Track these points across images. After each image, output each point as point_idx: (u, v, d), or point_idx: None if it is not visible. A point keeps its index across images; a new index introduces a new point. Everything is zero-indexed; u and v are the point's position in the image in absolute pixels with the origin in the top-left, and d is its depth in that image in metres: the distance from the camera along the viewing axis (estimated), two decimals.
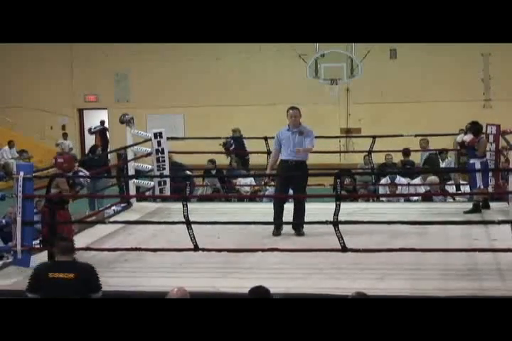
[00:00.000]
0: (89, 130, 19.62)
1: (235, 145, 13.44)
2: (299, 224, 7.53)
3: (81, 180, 6.70)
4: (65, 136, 19.23)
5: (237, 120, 17.18)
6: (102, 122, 19.71)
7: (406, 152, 11.76)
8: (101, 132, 19.63)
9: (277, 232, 7.58)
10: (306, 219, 7.55)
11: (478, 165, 8.41)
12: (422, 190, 10.73)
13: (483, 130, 8.67)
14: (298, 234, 7.55)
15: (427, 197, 10.15)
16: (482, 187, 8.34)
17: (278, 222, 7.53)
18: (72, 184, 6.52)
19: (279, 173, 7.81)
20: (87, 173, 6.97)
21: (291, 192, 7.89)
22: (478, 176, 8.32)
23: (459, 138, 8.94)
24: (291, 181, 7.67)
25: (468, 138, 8.52)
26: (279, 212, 7.58)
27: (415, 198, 10.29)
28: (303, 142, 7.69)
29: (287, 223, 7.57)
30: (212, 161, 12.18)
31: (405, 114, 18.15)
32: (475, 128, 8.56)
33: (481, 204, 8.58)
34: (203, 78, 19.07)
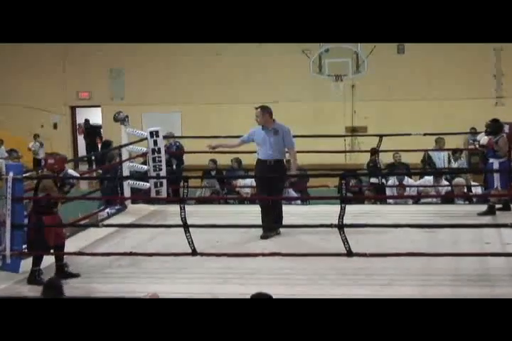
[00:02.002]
0: (78, 131, 19.82)
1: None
2: (266, 226, 7.55)
3: (71, 181, 6.66)
4: (36, 137, 18.91)
5: (236, 118, 17.18)
6: (87, 121, 19.76)
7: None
8: (89, 131, 19.66)
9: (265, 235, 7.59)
10: (310, 221, 7.54)
11: (496, 165, 8.29)
12: (432, 190, 10.72)
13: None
14: (264, 236, 7.50)
15: (446, 200, 10.07)
16: (500, 188, 8.26)
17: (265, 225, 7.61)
18: (61, 186, 6.49)
19: (259, 173, 7.88)
20: (77, 174, 6.95)
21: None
22: (497, 177, 8.23)
23: (479, 138, 8.61)
24: (270, 181, 7.80)
25: (484, 140, 8.30)
26: (267, 215, 7.67)
27: (429, 200, 10.26)
28: (280, 142, 7.77)
29: (288, 226, 7.56)
30: (213, 161, 12.17)
31: (413, 112, 18.16)
32: (494, 126, 8.35)
33: (499, 206, 8.50)
34: (201, 74, 19.09)
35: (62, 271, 6.41)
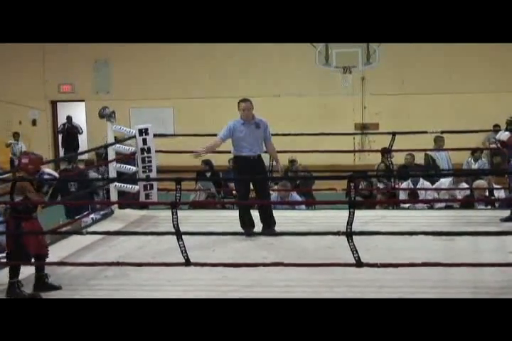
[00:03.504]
0: (58, 132, 19.80)
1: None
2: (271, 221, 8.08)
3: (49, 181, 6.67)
4: (16, 136, 19.06)
5: (234, 114, 17.15)
6: (69, 118, 19.73)
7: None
8: (67, 131, 19.63)
9: (250, 232, 7.94)
10: (316, 228, 7.59)
11: None
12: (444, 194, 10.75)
13: None
14: (270, 232, 8.00)
15: (466, 204, 10.08)
16: None
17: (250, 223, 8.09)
18: (38, 187, 6.51)
19: (245, 171, 8.09)
20: (55, 175, 6.97)
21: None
22: None
23: (499, 136, 8.69)
24: (254, 178, 8.10)
25: (505, 136, 8.36)
26: (248, 213, 8.11)
27: (445, 204, 10.30)
28: (261, 136, 8.15)
29: (292, 233, 7.59)
30: (206, 162, 12.18)
31: (430, 107, 18.19)
32: None
33: None
34: (195, 66, 19.12)
35: (43, 283, 6.43)
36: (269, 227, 8.12)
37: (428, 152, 12.20)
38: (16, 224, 6.42)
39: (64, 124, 20.05)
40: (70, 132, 19.85)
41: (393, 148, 10.11)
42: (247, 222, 8.14)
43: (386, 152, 10.36)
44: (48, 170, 6.89)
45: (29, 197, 6.40)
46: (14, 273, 6.35)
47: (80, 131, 20.03)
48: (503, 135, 8.44)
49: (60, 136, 20.36)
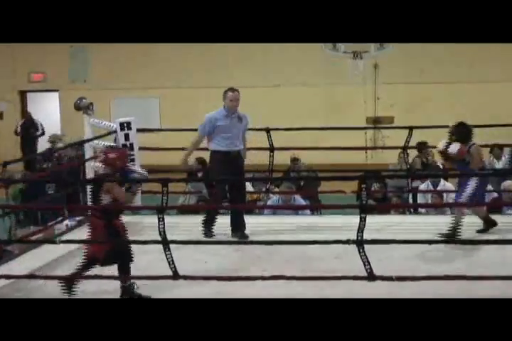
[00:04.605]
0: (15, 131, 19.14)
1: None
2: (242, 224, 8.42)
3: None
4: None
5: None
6: (28, 115, 19.46)
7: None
8: (24, 128, 19.10)
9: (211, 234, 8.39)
10: (322, 236, 7.57)
11: (473, 185, 7.99)
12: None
13: None
14: (242, 235, 8.31)
15: (492, 208, 10.06)
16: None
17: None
18: (127, 187, 6.71)
19: (220, 167, 8.33)
20: (145, 173, 7.39)
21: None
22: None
23: (439, 147, 8.34)
24: (233, 175, 8.33)
25: (454, 149, 8.08)
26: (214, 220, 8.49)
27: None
28: (242, 130, 8.53)
29: (295, 242, 7.59)
30: (200, 160, 12.16)
31: (451, 98, 18.22)
32: (461, 132, 8.18)
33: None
34: (186, 51, 19.09)
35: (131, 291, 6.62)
36: (240, 231, 8.37)
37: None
38: (106, 226, 6.59)
39: (24, 122, 19.27)
40: (28, 127, 18.99)
41: (410, 144, 10.11)
42: (209, 228, 8.46)
43: (423, 148, 10.37)
44: (135, 167, 7.03)
45: (117, 198, 6.58)
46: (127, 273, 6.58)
47: (38, 133, 18.87)
48: (453, 146, 8.11)
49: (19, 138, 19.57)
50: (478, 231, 8.36)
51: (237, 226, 8.44)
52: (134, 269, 7.14)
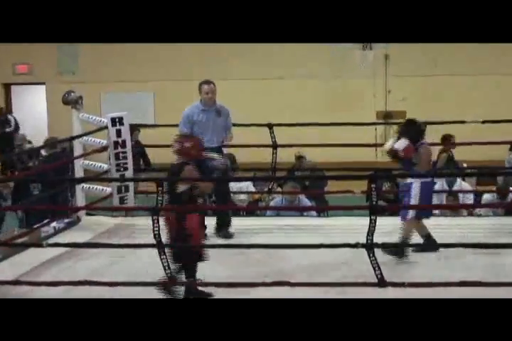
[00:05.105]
0: None
1: None
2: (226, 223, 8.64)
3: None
4: None
5: (228, 100, 17.12)
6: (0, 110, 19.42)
7: None
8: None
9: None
10: (329, 239, 7.54)
11: (417, 187, 7.75)
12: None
13: None
14: (226, 234, 8.52)
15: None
16: (409, 217, 7.73)
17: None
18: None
19: (199, 165, 8.19)
20: (226, 161, 7.81)
21: None
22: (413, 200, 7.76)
23: (387, 146, 8.11)
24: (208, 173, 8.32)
25: (401, 145, 7.82)
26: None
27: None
28: (222, 125, 8.58)
29: (300, 245, 7.59)
30: None
31: (467, 92, 18.21)
32: (411, 130, 7.93)
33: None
34: (182, 42, 19.07)
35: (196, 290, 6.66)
36: (223, 230, 8.57)
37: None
38: (180, 217, 6.69)
39: None
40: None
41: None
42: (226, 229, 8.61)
43: (449, 141, 10.40)
44: (213, 155, 7.69)
45: (196, 186, 6.75)
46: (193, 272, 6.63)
47: (10, 129, 18.64)
48: (399, 143, 7.87)
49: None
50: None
51: (221, 225, 8.62)
52: (125, 275, 7.18)
